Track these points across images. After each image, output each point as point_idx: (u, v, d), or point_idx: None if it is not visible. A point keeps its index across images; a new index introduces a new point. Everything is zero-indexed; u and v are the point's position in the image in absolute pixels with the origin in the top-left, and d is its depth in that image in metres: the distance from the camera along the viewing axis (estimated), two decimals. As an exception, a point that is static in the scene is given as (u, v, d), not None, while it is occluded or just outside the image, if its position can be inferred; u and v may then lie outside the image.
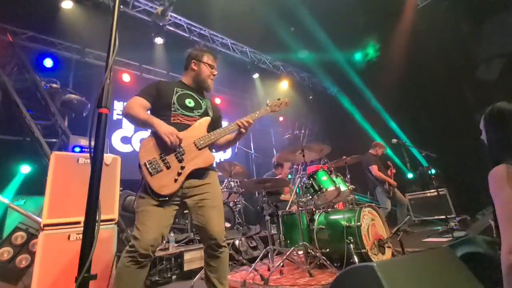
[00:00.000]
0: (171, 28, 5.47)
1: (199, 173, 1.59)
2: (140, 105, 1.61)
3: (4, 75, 3.72)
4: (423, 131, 5.93)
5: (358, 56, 7.47)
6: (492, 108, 1.28)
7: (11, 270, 2.39)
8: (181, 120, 1.64)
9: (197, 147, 1.58)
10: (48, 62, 4.68)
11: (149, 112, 1.66)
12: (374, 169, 4.49)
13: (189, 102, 1.72)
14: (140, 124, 1.58)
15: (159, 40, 5.32)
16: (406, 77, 6.22)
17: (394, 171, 4.73)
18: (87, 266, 0.66)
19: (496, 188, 1.08)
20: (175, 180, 1.47)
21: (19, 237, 2.50)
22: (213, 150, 1.83)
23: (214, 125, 1.75)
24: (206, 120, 1.71)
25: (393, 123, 6.71)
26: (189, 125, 1.64)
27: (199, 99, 1.78)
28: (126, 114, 1.60)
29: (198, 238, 3.49)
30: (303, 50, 6.96)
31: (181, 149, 1.53)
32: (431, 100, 5.94)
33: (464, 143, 5.12)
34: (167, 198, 1.46)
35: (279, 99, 2.01)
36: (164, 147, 1.50)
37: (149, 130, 1.60)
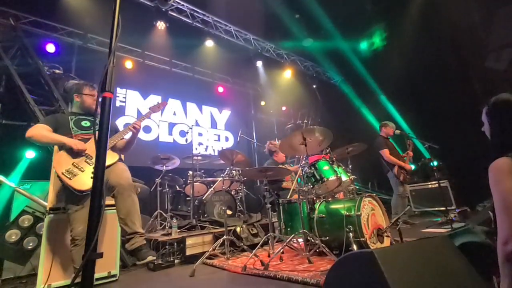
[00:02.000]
0: (174, 14, 5.37)
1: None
2: (46, 129, 2.04)
3: (7, 59, 3.70)
4: (427, 122, 5.87)
5: (364, 45, 7.32)
6: (495, 100, 1.26)
7: (19, 251, 2.46)
8: (81, 137, 2.09)
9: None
10: (50, 48, 4.65)
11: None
12: (385, 153, 4.39)
13: (85, 123, 2.20)
14: (50, 142, 2.06)
15: (161, 26, 5.23)
16: (412, 67, 6.11)
17: (411, 153, 4.52)
18: (94, 244, 0.68)
19: (496, 180, 1.08)
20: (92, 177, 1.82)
21: (26, 220, 2.56)
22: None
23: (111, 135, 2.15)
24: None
25: (397, 114, 6.64)
26: (89, 139, 2.09)
27: (91, 120, 2.24)
28: (33, 137, 1.98)
29: (200, 224, 3.56)
30: (307, 38, 6.83)
31: (88, 154, 2.00)
32: (436, 91, 5.85)
33: (468, 135, 5.08)
34: (89, 193, 1.69)
35: (158, 102, 2.56)
36: (74, 156, 1.94)
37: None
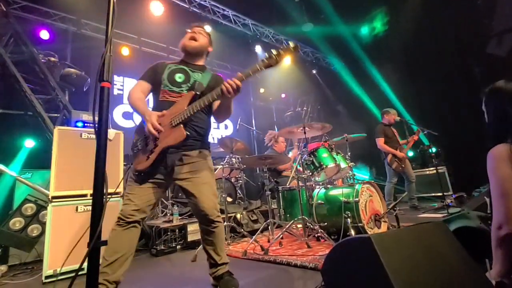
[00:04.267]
0: (170, -4, 5.22)
1: (190, 150, 1.61)
2: (140, 92, 1.68)
3: (0, 47, 3.62)
4: (427, 109, 5.86)
5: (364, 30, 7.16)
6: (490, 88, 1.25)
7: (24, 238, 2.51)
8: (167, 98, 1.63)
9: (172, 125, 1.52)
10: (44, 34, 4.54)
11: (151, 93, 1.75)
12: (379, 141, 4.46)
13: (179, 77, 1.69)
14: (136, 113, 1.66)
15: (157, 11, 5.09)
16: (412, 53, 6.03)
17: (416, 138, 4.49)
18: (98, 233, 0.70)
19: (493, 166, 1.10)
20: (147, 158, 1.52)
21: (29, 208, 2.60)
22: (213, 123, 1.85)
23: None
24: (189, 94, 1.60)
25: (397, 100, 6.61)
26: (173, 102, 1.60)
27: (190, 72, 1.73)
28: (128, 101, 1.68)
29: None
30: (307, 23, 6.67)
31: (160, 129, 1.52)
32: (436, 77, 5.79)
33: (467, 122, 5.09)
34: (142, 174, 1.54)
35: (279, 49, 1.47)
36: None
37: None
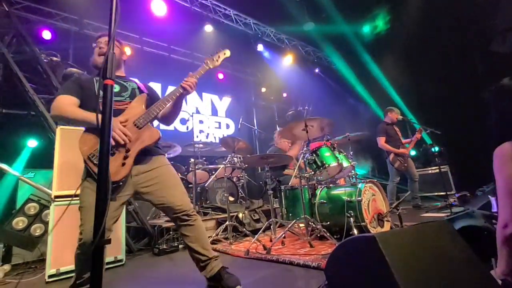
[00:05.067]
0: (172, -3, 5.22)
1: (146, 157, 1.56)
2: (70, 104, 1.52)
3: (3, 47, 3.63)
4: (429, 107, 5.83)
5: (366, 28, 7.13)
6: (499, 85, 1.24)
7: (27, 238, 2.52)
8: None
9: (137, 127, 1.51)
10: (46, 34, 4.56)
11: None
12: (380, 140, 4.44)
13: (114, 88, 1.62)
14: (76, 123, 1.50)
15: (160, 11, 5.10)
16: (415, 51, 5.99)
17: (418, 136, 4.45)
18: (101, 232, 0.70)
19: (500, 165, 1.09)
20: (123, 164, 1.43)
21: (32, 208, 2.61)
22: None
23: (153, 102, 1.66)
24: (142, 97, 1.64)
25: (399, 99, 6.58)
26: (121, 110, 1.56)
27: (122, 82, 1.71)
28: (56, 116, 1.51)
29: (203, 211, 3.62)
30: (308, 22, 6.65)
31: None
32: (439, 75, 5.76)
33: (469, 121, 5.05)
34: (120, 184, 1.44)
35: (217, 53, 1.88)
36: None
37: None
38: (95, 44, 1.74)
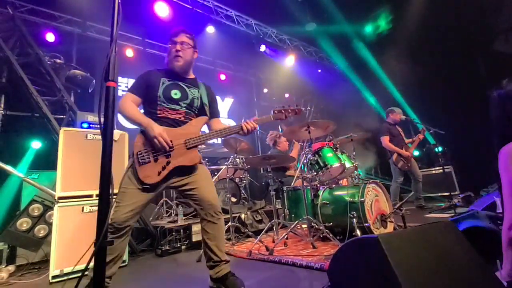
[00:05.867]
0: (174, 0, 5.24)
1: (184, 171, 1.64)
2: (132, 103, 1.64)
3: (7, 50, 3.67)
4: (432, 107, 5.79)
5: (368, 28, 7.11)
6: (504, 87, 1.23)
7: (31, 239, 2.54)
8: (167, 115, 1.66)
9: (186, 146, 1.62)
10: (50, 37, 4.60)
11: (141, 106, 1.72)
12: (384, 140, 4.42)
13: (175, 94, 1.70)
14: (134, 124, 1.62)
15: (161, 13, 5.12)
16: (417, 51, 5.96)
17: (421, 137, 4.43)
18: (104, 232, 0.70)
19: (506, 165, 1.07)
20: (159, 173, 1.55)
21: (36, 209, 2.62)
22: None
23: (210, 114, 1.85)
24: (203, 120, 1.76)
25: (402, 99, 6.55)
26: (177, 119, 1.68)
27: (186, 88, 1.76)
28: (121, 113, 1.63)
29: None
30: (310, 22, 6.65)
31: (171, 145, 1.58)
32: (442, 75, 5.73)
33: (473, 121, 5.01)
34: (148, 187, 1.55)
35: (284, 107, 1.95)
36: (153, 144, 1.56)
37: None
38: (170, 44, 1.80)
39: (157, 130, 1.53)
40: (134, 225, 1.62)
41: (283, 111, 1.91)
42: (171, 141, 1.56)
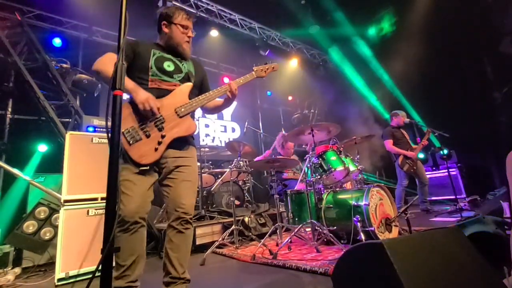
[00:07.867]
0: (177, 4, 5.30)
1: (180, 144, 1.53)
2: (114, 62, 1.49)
3: (15, 55, 3.74)
4: (437, 110, 5.75)
5: (372, 31, 7.10)
6: None
7: (37, 241, 2.57)
8: (159, 85, 1.53)
9: (178, 115, 1.49)
10: (57, 42, 4.68)
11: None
12: (387, 143, 4.41)
13: (168, 66, 1.59)
14: (109, 84, 1.43)
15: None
16: (422, 53, 5.92)
17: (425, 142, 4.36)
18: (111, 239, 0.71)
19: None
20: (156, 149, 1.41)
21: (42, 212, 2.66)
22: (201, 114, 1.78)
23: (199, 88, 1.75)
24: (188, 86, 1.60)
25: (406, 102, 6.51)
26: (169, 91, 1.53)
27: (178, 62, 1.65)
28: (98, 71, 1.42)
29: (209, 214, 3.62)
30: (313, 25, 6.67)
31: (161, 117, 1.44)
32: (447, 77, 5.68)
33: (479, 123, 4.96)
34: (147, 168, 1.41)
35: (265, 64, 1.99)
36: (143, 115, 1.40)
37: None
38: (181, 26, 1.64)
39: (144, 95, 1.37)
40: (153, 225, 1.52)
41: (262, 68, 1.98)
42: (158, 109, 1.41)
